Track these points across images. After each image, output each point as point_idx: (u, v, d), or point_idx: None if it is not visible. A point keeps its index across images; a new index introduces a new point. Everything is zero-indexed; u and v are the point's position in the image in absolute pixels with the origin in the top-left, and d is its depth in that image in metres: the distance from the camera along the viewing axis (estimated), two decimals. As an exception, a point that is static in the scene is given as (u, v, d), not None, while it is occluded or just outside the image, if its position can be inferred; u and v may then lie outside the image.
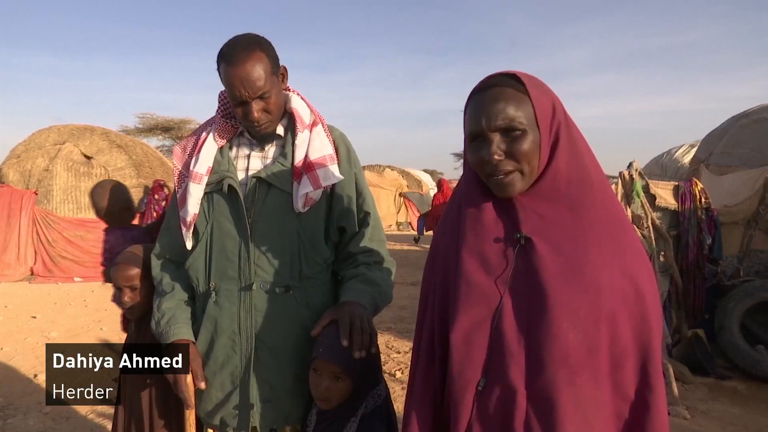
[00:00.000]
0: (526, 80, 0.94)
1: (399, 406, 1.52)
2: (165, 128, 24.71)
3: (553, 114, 0.95)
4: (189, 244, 1.45)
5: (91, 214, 8.62)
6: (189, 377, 1.36)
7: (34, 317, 6.01)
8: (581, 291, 0.89)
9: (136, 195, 9.02)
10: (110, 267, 2.00)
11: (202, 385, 1.39)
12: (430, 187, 20.48)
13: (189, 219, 1.42)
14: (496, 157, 0.91)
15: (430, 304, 1.06)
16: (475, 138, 0.95)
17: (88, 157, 9.14)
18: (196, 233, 1.45)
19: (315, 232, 1.42)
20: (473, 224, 0.99)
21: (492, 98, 0.92)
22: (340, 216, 1.46)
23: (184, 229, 1.44)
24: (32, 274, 8.41)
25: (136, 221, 2.18)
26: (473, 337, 0.95)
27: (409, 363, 1.14)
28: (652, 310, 0.92)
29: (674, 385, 3.62)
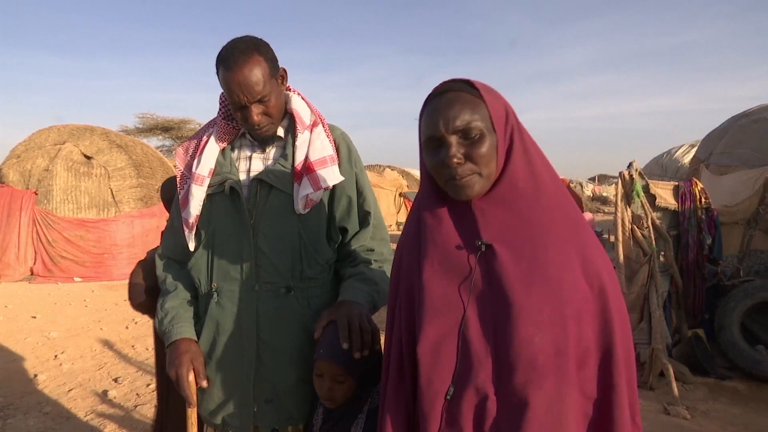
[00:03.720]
0: (480, 86, 0.96)
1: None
2: (165, 128, 24.73)
3: (507, 119, 0.96)
4: (191, 245, 1.45)
5: (90, 214, 8.63)
6: (191, 375, 1.37)
7: (34, 317, 6.01)
8: (544, 294, 0.89)
9: (136, 194, 9.02)
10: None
11: (205, 384, 1.39)
12: (430, 187, 20.44)
13: (191, 220, 1.42)
14: (455, 159, 0.91)
15: (397, 320, 1.06)
16: (433, 142, 0.95)
17: (88, 157, 9.14)
18: (198, 234, 1.45)
19: (316, 232, 1.43)
20: (433, 234, 0.99)
21: (448, 102, 0.93)
22: (341, 216, 1.46)
23: (186, 230, 1.44)
24: (32, 274, 8.40)
25: None
26: (440, 347, 0.95)
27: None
28: (614, 306, 0.92)
29: (674, 385, 3.62)
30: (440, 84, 0.98)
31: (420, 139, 0.99)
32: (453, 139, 0.92)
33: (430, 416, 0.95)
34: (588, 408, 0.92)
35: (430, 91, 0.99)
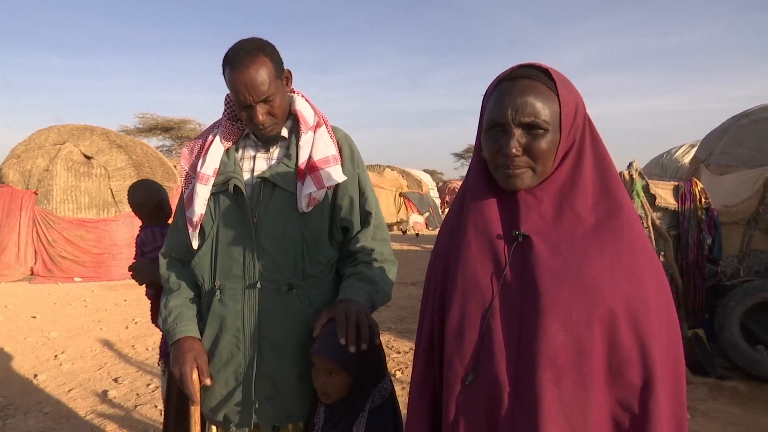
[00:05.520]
0: (557, 78, 0.92)
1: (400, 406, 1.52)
2: (165, 128, 24.78)
3: (575, 117, 0.93)
4: (195, 244, 1.47)
5: (90, 214, 8.63)
6: (195, 373, 1.38)
7: (34, 317, 6.01)
8: (575, 292, 0.87)
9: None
10: (138, 263, 2.02)
11: (208, 382, 1.40)
12: (430, 187, 20.48)
13: (195, 219, 1.44)
14: (514, 150, 0.90)
15: (431, 299, 1.06)
16: (496, 126, 0.92)
17: (88, 157, 9.14)
18: (202, 233, 1.47)
19: (318, 231, 1.44)
20: (475, 219, 0.98)
21: (521, 90, 0.90)
22: (343, 216, 1.47)
23: (190, 229, 1.46)
24: (32, 274, 8.40)
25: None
26: (464, 331, 0.94)
27: (410, 363, 1.14)
28: (650, 319, 0.88)
29: (674, 385, 3.62)
30: (516, 66, 0.94)
31: (481, 118, 0.97)
32: (517, 130, 0.90)
33: (450, 399, 0.95)
34: (623, 419, 0.88)
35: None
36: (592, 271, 0.88)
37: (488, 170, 0.98)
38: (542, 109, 0.89)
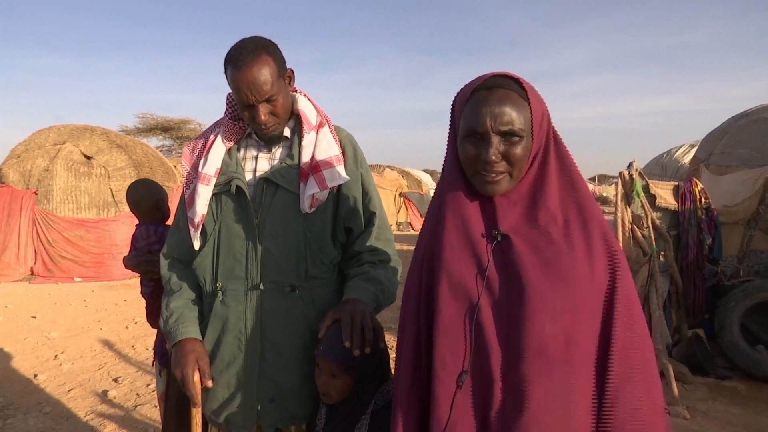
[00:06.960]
0: (528, 87, 0.97)
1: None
2: (165, 128, 24.76)
3: (541, 124, 0.99)
4: (197, 245, 1.46)
5: (90, 214, 8.62)
6: (197, 375, 1.37)
7: (34, 317, 6.01)
8: (558, 284, 0.91)
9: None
10: (130, 256, 2.01)
11: (210, 383, 1.40)
12: (430, 187, 20.46)
13: (197, 219, 1.43)
14: (493, 158, 0.95)
15: (413, 302, 1.08)
16: (474, 135, 0.97)
17: (88, 157, 9.13)
18: (204, 233, 1.46)
19: (321, 232, 1.43)
20: (455, 220, 1.02)
21: (498, 100, 0.95)
22: (347, 216, 1.47)
23: (192, 230, 1.45)
24: (32, 274, 8.39)
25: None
26: (455, 330, 0.97)
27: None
28: (623, 302, 0.94)
29: (674, 385, 3.62)
30: (489, 76, 0.98)
31: (455, 124, 1.02)
32: (495, 139, 0.95)
33: (442, 398, 0.96)
34: (599, 398, 0.92)
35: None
36: (569, 265, 0.93)
37: (464, 174, 1.02)
38: (517, 117, 0.94)
